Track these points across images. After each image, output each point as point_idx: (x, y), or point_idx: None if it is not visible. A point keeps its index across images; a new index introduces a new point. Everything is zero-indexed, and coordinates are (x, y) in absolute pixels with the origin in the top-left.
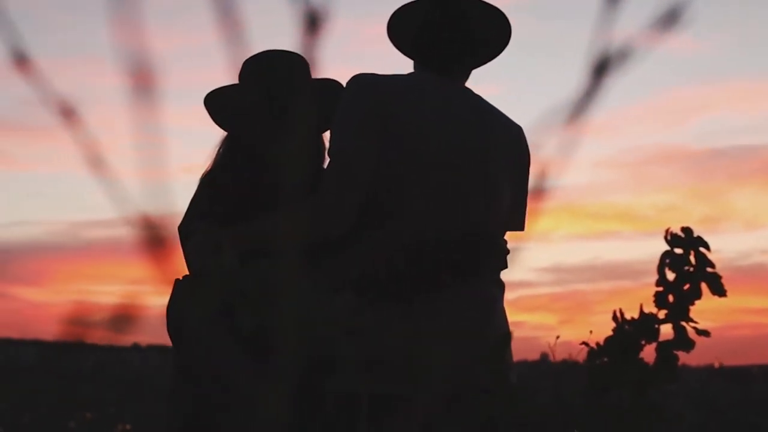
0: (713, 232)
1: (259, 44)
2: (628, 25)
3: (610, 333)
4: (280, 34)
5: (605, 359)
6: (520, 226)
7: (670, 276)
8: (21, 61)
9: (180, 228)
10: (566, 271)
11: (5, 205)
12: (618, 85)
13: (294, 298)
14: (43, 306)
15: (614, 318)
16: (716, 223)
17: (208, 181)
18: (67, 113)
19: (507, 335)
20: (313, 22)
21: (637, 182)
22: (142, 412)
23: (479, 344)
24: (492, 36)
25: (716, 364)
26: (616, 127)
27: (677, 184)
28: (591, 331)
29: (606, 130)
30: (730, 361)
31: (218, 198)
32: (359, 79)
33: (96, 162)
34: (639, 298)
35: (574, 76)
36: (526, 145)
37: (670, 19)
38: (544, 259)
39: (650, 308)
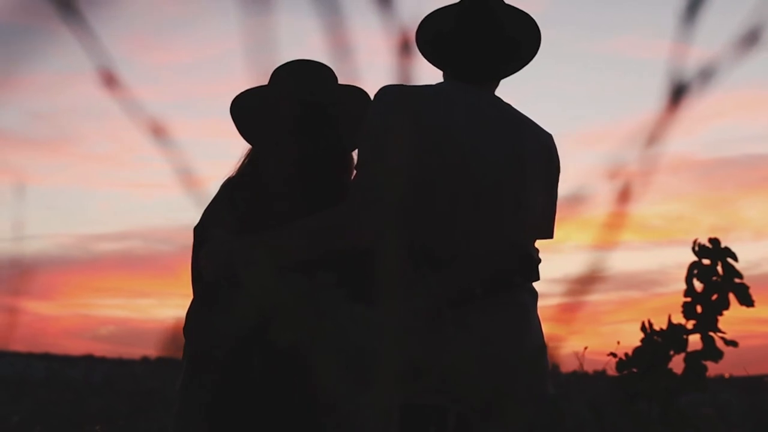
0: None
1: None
2: (704, 45)
3: (637, 343)
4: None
5: (634, 369)
6: (549, 233)
7: (698, 286)
8: (110, 80)
9: (196, 230)
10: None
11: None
12: (624, 94)
13: (334, 311)
14: (52, 319)
15: (643, 328)
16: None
17: (230, 188)
18: (158, 131)
19: (544, 345)
20: (406, 46)
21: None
22: (151, 425)
23: (518, 354)
24: (523, 43)
25: (726, 375)
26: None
27: (686, 193)
28: (618, 342)
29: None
30: (740, 372)
31: (237, 207)
32: (388, 91)
33: (187, 177)
34: (648, 307)
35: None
36: (556, 153)
37: (751, 39)
38: (554, 270)
39: (678, 319)
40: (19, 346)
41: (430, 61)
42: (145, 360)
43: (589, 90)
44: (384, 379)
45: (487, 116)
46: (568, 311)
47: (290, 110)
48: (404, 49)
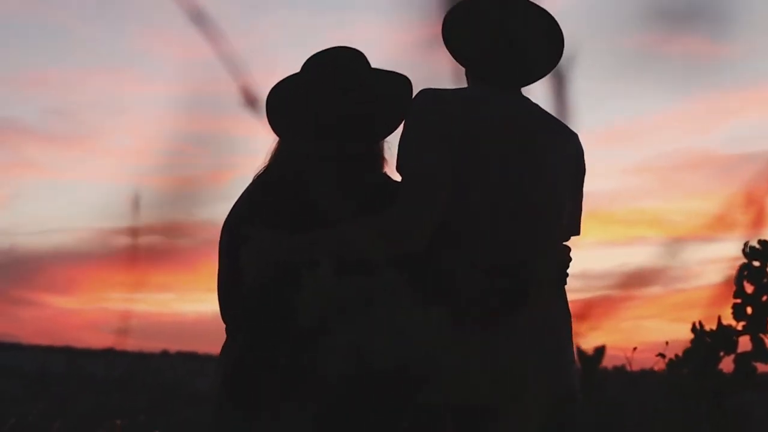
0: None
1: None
2: None
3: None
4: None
5: (684, 370)
6: (577, 230)
7: (749, 288)
8: (252, 101)
9: (229, 225)
10: (594, 277)
11: (34, 213)
12: (645, 91)
13: (391, 313)
14: (72, 313)
15: (693, 329)
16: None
17: (264, 184)
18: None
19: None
20: (561, 78)
21: (665, 188)
22: (172, 419)
23: (560, 355)
24: (549, 49)
25: None
26: (644, 132)
27: (706, 189)
28: (667, 343)
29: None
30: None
31: (274, 204)
32: (426, 95)
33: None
34: (668, 303)
35: None
36: (582, 153)
37: None
38: (573, 266)
39: (728, 320)
40: (40, 339)
41: (456, 58)
42: (165, 354)
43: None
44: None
45: (520, 119)
46: (589, 307)
47: (326, 99)
48: (560, 81)
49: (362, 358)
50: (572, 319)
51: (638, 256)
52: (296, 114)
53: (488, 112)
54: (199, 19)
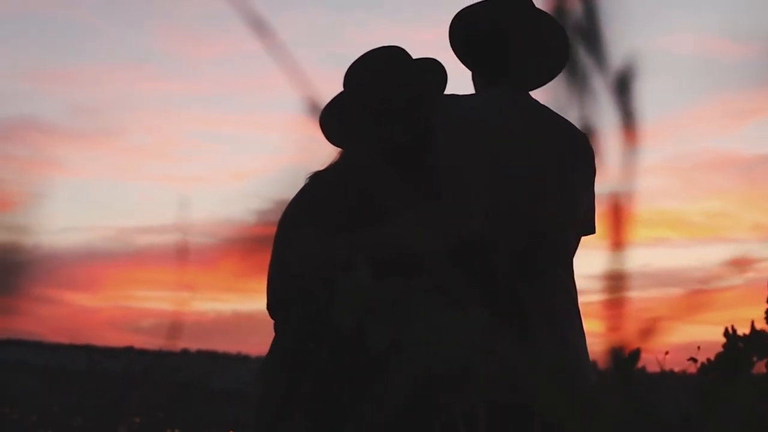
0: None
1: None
2: None
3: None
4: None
5: (716, 374)
6: (592, 228)
7: None
8: (314, 108)
9: (285, 223)
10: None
11: (57, 211)
12: (668, 91)
13: (425, 315)
14: (93, 311)
15: (726, 334)
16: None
17: (323, 183)
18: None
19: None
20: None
21: (687, 188)
22: (190, 417)
23: (585, 355)
24: (557, 50)
25: None
26: (666, 132)
27: (728, 190)
28: (699, 347)
29: (656, 136)
30: None
31: (331, 202)
32: (450, 100)
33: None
34: (689, 305)
35: None
36: (593, 152)
37: None
38: (594, 266)
39: (762, 325)
40: (61, 337)
41: (463, 61)
42: (185, 352)
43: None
44: (476, 382)
45: (535, 124)
46: (608, 308)
47: (371, 101)
48: (621, 88)
49: (406, 363)
50: (601, 321)
51: (659, 256)
52: (345, 125)
53: (506, 111)
54: (258, 27)
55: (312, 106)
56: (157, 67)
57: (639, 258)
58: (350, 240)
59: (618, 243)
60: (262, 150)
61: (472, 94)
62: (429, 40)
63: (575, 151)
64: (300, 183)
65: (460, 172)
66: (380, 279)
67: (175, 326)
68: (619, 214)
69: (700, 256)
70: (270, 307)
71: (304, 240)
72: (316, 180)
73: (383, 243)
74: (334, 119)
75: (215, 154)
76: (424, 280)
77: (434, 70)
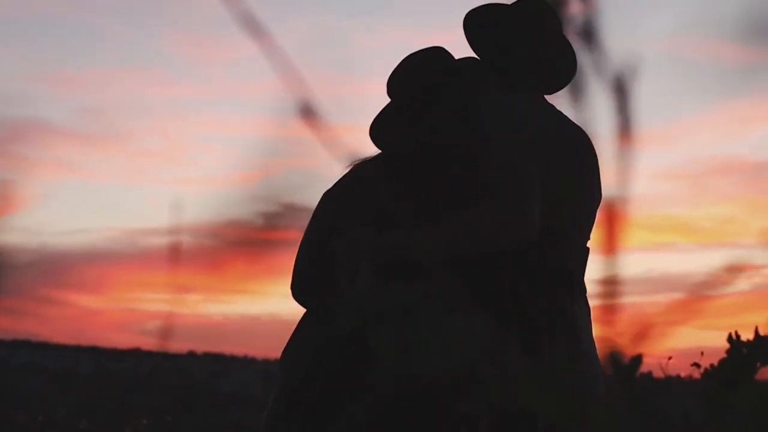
0: None
1: None
2: None
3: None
4: None
5: (720, 380)
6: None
7: None
8: (308, 116)
9: (322, 217)
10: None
11: (64, 212)
12: (675, 96)
13: (430, 320)
14: (100, 313)
15: (729, 339)
16: None
17: (366, 179)
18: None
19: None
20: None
21: (694, 194)
22: (197, 419)
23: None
24: (570, 58)
25: None
26: (673, 138)
27: (735, 195)
28: (702, 353)
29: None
30: None
31: (377, 194)
32: (498, 100)
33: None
34: (695, 310)
35: None
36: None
37: None
38: (599, 271)
39: (766, 330)
40: (68, 339)
41: (484, 60)
42: (191, 354)
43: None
44: (483, 390)
45: (564, 130)
46: (612, 313)
47: (400, 102)
48: (619, 90)
49: (409, 368)
50: (600, 326)
51: (666, 261)
52: (391, 125)
53: (540, 115)
54: (251, 27)
55: (305, 108)
56: (166, 70)
57: (645, 263)
58: (398, 237)
59: (612, 248)
60: (270, 153)
61: (513, 96)
62: (438, 43)
63: (595, 156)
64: (306, 185)
65: (519, 172)
66: (380, 285)
67: (166, 328)
68: (613, 220)
69: (707, 262)
70: (293, 287)
71: (355, 234)
72: (361, 170)
73: (434, 243)
74: (375, 125)
75: (223, 157)
76: (429, 286)
77: (474, 67)
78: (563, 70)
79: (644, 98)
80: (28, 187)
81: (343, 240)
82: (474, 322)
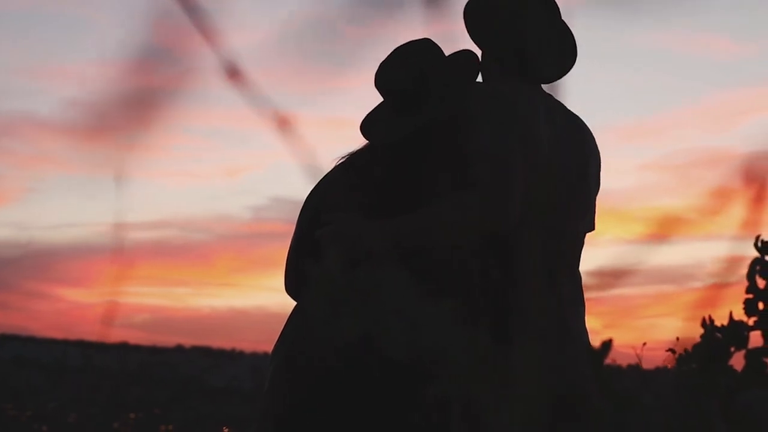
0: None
1: None
2: None
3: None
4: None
5: (694, 365)
6: (593, 225)
7: (761, 283)
8: (233, 73)
9: (310, 203)
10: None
11: (53, 206)
12: (665, 88)
13: (398, 305)
14: (87, 307)
15: (703, 324)
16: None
17: (352, 171)
18: (282, 122)
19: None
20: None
21: (683, 186)
22: (186, 413)
23: (580, 348)
24: (570, 49)
25: None
26: (662, 130)
27: (723, 187)
28: (678, 338)
29: (652, 133)
30: None
31: (361, 186)
32: (487, 88)
33: (311, 166)
34: (682, 301)
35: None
36: (597, 146)
37: None
38: (589, 263)
39: (740, 315)
40: (55, 333)
41: (482, 48)
42: (179, 348)
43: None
44: (453, 374)
45: (558, 120)
46: (602, 304)
47: (382, 92)
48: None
49: (373, 347)
50: (586, 313)
51: (654, 254)
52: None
53: (534, 106)
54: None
55: (230, 70)
56: (152, 62)
57: (634, 255)
58: (383, 224)
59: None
60: (257, 146)
61: (508, 86)
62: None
63: (591, 149)
64: (294, 179)
65: (502, 160)
66: (348, 269)
67: (107, 318)
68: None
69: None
70: (286, 284)
71: (337, 220)
72: (346, 164)
73: (417, 230)
74: (367, 118)
75: (210, 150)
76: (397, 270)
77: (465, 59)
78: (563, 58)
79: (633, 91)
80: (16, 181)
81: (326, 229)
82: (442, 307)
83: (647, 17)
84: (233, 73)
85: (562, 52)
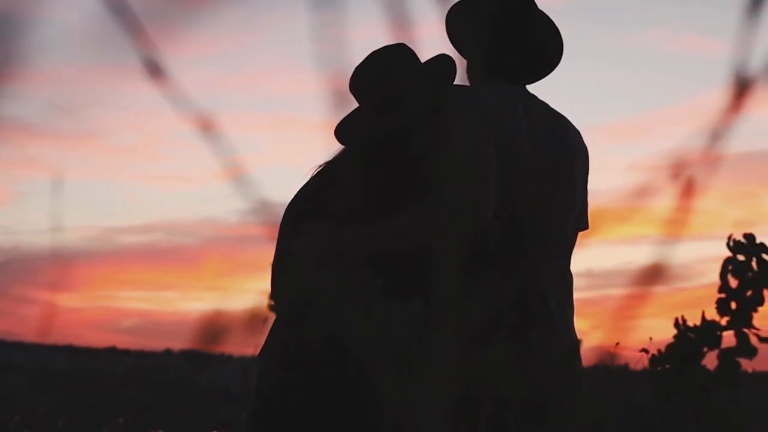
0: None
1: None
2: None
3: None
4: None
5: (667, 366)
6: (585, 224)
7: (733, 283)
8: (155, 72)
9: (287, 217)
10: (598, 275)
11: (38, 211)
12: (650, 88)
13: (365, 306)
14: (76, 311)
15: (676, 325)
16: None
17: (325, 176)
18: (206, 125)
19: (578, 342)
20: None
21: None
22: (176, 416)
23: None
24: (553, 48)
25: (749, 370)
26: (648, 129)
27: (710, 187)
28: (651, 338)
29: (638, 133)
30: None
31: (336, 193)
32: (465, 91)
33: (235, 172)
34: (671, 302)
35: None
36: (587, 149)
37: None
38: (577, 264)
39: (712, 315)
40: (43, 338)
41: (460, 51)
42: (168, 352)
43: (614, 83)
44: (433, 373)
45: (538, 119)
46: (591, 305)
47: (357, 99)
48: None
49: (345, 349)
50: (575, 312)
51: (643, 254)
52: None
53: (512, 107)
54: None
55: (151, 65)
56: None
57: (622, 255)
58: (359, 231)
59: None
60: (245, 149)
61: (486, 87)
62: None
63: (575, 147)
64: (283, 182)
65: (478, 163)
66: (315, 271)
67: (45, 323)
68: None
69: (683, 254)
70: (272, 296)
71: (312, 231)
72: (323, 172)
73: (393, 235)
74: (341, 123)
75: (198, 154)
76: (363, 270)
77: (442, 64)
78: (547, 58)
79: (620, 90)
80: (2, 185)
81: (301, 239)
82: (409, 307)
83: (634, 15)
84: (155, 73)
85: (541, 54)
